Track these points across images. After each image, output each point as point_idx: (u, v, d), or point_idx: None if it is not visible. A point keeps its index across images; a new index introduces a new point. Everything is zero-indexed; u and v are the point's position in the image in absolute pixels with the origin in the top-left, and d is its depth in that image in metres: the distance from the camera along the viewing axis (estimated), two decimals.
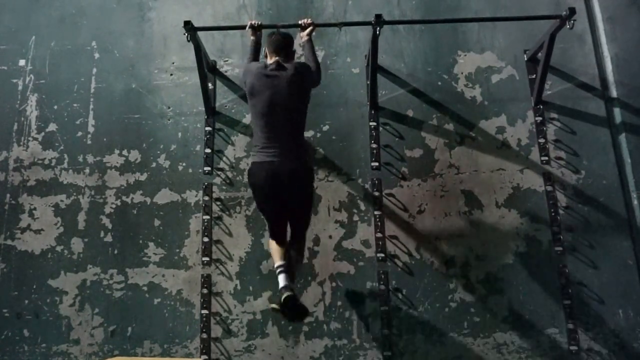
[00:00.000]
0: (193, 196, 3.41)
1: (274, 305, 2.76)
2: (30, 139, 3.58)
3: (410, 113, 3.51)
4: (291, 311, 2.68)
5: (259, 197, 2.84)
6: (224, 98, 3.59)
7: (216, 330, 3.20)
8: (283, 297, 2.66)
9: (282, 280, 2.73)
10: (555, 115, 3.46)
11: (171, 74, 3.66)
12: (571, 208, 3.30)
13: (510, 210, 3.32)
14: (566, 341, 3.10)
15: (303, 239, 3.01)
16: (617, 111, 3.44)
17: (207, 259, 3.30)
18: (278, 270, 2.77)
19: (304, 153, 2.89)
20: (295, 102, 2.81)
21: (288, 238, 2.92)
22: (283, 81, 2.78)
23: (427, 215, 3.33)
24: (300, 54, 3.56)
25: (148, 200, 3.42)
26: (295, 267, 2.91)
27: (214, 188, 3.42)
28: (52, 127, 3.58)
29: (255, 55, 3.06)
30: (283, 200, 2.78)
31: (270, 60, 2.88)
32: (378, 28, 3.10)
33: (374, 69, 3.33)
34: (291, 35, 3.00)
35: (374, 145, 3.44)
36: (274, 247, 2.86)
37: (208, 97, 3.46)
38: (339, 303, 3.22)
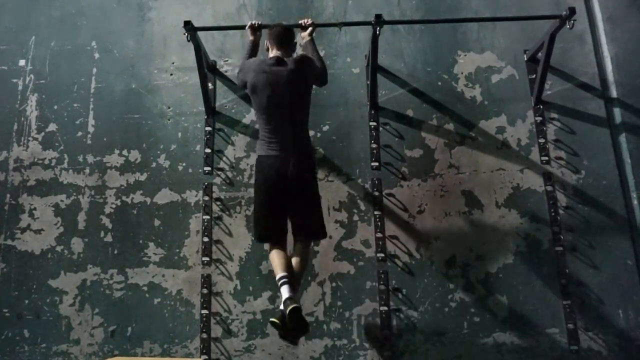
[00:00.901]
0: (193, 196, 3.41)
1: (274, 320, 2.55)
2: (30, 139, 3.58)
3: (410, 113, 3.51)
4: (295, 326, 2.49)
5: (262, 190, 2.76)
6: (224, 98, 3.59)
7: (216, 330, 3.20)
8: (289, 308, 2.45)
9: (285, 291, 2.54)
10: (555, 115, 3.46)
11: (171, 74, 3.66)
12: (571, 208, 3.30)
13: (510, 210, 3.32)
14: (566, 341, 3.10)
15: (308, 246, 2.83)
16: (617, 111, 3.44)
17: (207, 259, 3.30)
18: (280, 281, 2.59)
19: (307, 146, 2.85)
20: (297, 96, 2.80)
21: (289, 250, 2.79)
22: (284, 76, 2.77)
23: (427, 215, 3.33)
24: (302, 54, 3.55)
25: (148, 200, 3.42)
26: (298, 278, 2.72)
27: (214, 188, 3.42)
28: (52, 127, 3.58)
29: (252, 54, 3.05)
30: (286, 195, 2.73)
31: (271, 54, 2.88)
32: (378, 28, 3.10)
33: (374, 69, 3.33)
34: (293, 29, 3.00)
35: (374, 145, 3.44)
36: (274, 258, 2.70)
37: (208, 97, 3.46)
38: (339, 303, 3.22)
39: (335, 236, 3.31)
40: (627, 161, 3.34)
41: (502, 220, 3.31)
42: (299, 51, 3.28)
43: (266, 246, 2.92)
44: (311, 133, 3.41)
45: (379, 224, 3.30)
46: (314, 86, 2.96)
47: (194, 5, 3.77)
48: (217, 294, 3.25)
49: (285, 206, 2.77)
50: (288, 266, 2.67)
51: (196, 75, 3.38)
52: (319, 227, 2.84)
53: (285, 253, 2.73)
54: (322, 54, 3.55)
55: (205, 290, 3.25)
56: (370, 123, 3.48)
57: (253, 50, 3.07)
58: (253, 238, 2.87)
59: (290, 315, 2.46)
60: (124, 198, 3.43)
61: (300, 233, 2.79)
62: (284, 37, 2.90)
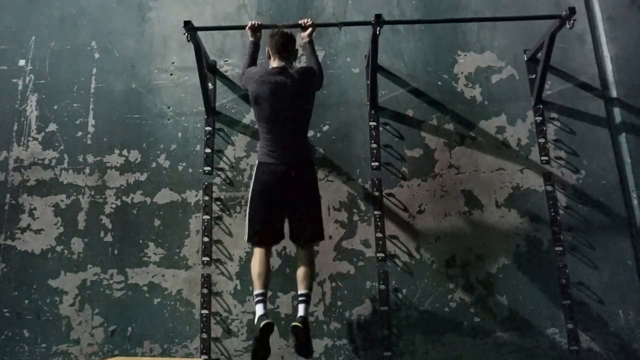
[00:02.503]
0: (193, 196, 3.41)
1: (296, 324, 2.60)
2: (30, 139, 3.58)
3: (410, 113, 3.51)
4: (261, 341, 2.57)
5: (260, 192, 2.76)
6: (224, 98, 3.59)
7: (216, 330, 3.20)
8: (262, 323, 2.53)
9: (259, 309, 2.61)
10: (555, 115, 3.46)
11: (171, 74, 3.66)
12: (571, 208, 3.30)
13: (510, 210, 3.32)
14: (566, 341, 3.10)
15: (311, 251, 2.82)
16: (617, 111, 3.44)
17: (207, 259, 3.30)
18: (257, 299, 2.65)
19: (308, 153, 2.87)
20: (300, 107, 2.81)
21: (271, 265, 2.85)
22: (287, 87, 2.76)
23: (427, 215, 3.33)
24: (301, 54, 3.56)
25: (148, 200, 3.42)
26: (309, 285, 2.71)
27: (214, 188, 3.42)
28: (52, 127, 3.58)
29: (253, 57, 3.03)
30: (285, 198, 2.75)
31: (273, 64, 2.86)
32: (378, 28, 3.10)
33: (374, 69, 3.33)
34: (293, 34, 2.97)
35: (374, 145, 3.44)
36: (255, 266, 2.73)
37: (208, 97, 3.46)
38: (339, 303, 3.22)
39: (335, 236, 3.31)
40: (627, 161, 3.34)
41: (502, 220, 3.31)
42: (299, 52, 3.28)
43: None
44: (311, 133, 3.42)
45: (379, 224, 3.30)
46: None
47: (194, 5, 3.77)
48: (217, 294, 3.25)
49: (284, 209, 2.79)
50: (267, 280, 2.72)
51: (196, 75, 3.38)
52: (319, 228, 2.84)
53: (268, 264, 2.76)
54: (322, 54, 3.58)
55: (205, 290, 3.25)
56: (370, 123, 3.48)
57: (253, 53, 3.05)
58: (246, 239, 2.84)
59: (262, 331, 2.55)
60: (124, 198, 3.43)
61: (300, 235, 2.79)
62: (285, 45, 2.86)
